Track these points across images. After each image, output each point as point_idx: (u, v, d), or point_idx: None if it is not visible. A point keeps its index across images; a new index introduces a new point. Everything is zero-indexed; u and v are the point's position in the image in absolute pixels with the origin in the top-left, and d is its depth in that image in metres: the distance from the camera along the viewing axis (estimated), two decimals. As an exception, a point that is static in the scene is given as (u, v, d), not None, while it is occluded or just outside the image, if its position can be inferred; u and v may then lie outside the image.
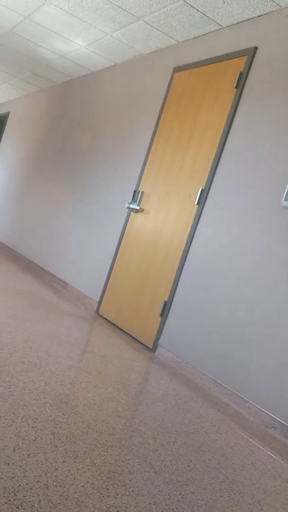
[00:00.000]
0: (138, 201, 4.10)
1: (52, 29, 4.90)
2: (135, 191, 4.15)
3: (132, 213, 4.18)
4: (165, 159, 3.94)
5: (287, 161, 2.86)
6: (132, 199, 4.16)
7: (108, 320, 4.11)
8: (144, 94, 4.59)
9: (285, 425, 2.45)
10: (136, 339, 3.71)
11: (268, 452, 2.24)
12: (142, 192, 4.09)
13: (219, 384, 2.88)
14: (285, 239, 2.74)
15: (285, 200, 2.62)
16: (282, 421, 2.47)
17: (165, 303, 3.49)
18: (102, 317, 4.21)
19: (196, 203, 3.45)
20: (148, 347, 3.56)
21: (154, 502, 1.50)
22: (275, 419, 2.50)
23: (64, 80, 6.58)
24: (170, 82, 4.17)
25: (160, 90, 4.35)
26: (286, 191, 2.62)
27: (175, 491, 1.61)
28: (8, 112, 8.66)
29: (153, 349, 3.50)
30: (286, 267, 2.68)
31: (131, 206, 4.07)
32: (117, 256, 4.23)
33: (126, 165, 4.54)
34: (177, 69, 4.13)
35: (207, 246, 3.27)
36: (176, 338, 3.31)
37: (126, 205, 4.07)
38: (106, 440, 1.82)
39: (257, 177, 3.04)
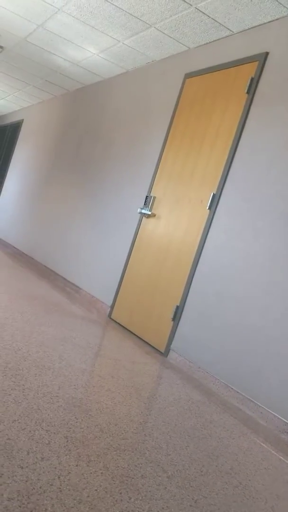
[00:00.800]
0: (150, 206, 4.12)
1: (65, 37, 4.96)
2: (147, 196, 4.17)
3: (144, 218, 4.20)
4: (177, 164, 3.96)
5: (299, 166, 2.86)
6: (144, 204, 4.18)
7: (120, 324, 4.13)
8: (156, 100, 4.62)
9: (298, 430, 2.44)
10: (148, 343, 3.72)
11: (281, 457, 2.23)
12: (154, 197, 4.11)
13: (232, 388, 2.87)
14: (297, 244, 2.73)
15: (297, 204, 2.61)
16: (295, 427, 2.46)
17: (177, 307, 3.49)
18: (115, 321, 4.23)
19: (207, 208, 3.46)
20: (160, 352, 3.57)
21: (167, 506, 1.50)
22: (288, 424, 2.49)
23: (77, 87, 6.64)
24: (182, 88, 4.19)
25: (171, 96, 4.37)
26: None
27: (188, 495, 1.61)
28: (22, 120, 8.76)
29: (165, 353, 3.51)
30: (299, 272, 2.67)
31: (143, 211, 4.09)
32: (129, 260, 4.25)
33: (138, 171, 4.57)
34: (189, 75, 4.15)
35: (219, 251, 3.27)
36: (188, 342, 3.32)
37: (138, 210, 4.09)
38: (119, 444, 1.83)
39: (268, 181, 3.04)
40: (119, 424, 2.02)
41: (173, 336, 3.48)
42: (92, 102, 6.09)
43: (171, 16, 3.84)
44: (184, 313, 3.44)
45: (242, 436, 2.35)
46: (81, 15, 4.33)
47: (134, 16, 4.03)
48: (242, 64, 3.55)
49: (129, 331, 3.99)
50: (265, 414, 2.63)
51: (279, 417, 2.55)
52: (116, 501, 1.44)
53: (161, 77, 4.65)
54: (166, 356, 3.50)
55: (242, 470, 1.95)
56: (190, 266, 3.49)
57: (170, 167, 4.05)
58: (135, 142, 4.79)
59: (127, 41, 4.57)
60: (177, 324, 3.47)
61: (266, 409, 2.63)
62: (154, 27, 4.12)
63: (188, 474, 1.76)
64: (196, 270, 3.42)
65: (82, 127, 6.12)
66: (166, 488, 1.62)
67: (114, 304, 4.31)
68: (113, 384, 2.52)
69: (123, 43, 4.65)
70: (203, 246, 3.42)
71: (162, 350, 3.55)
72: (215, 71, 3.82)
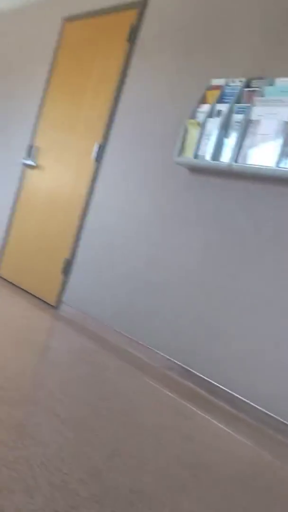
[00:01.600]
0: (33, 156, 3.99)
1: None
2: (30, 146, 4.03)
3: (28, 169, 4.06)
4: (61, 113, 3.85)
5: (178, 117, 2.95)
6: (27, 154, 4.03)
7: (9, 282, 4.05)
8: (35, 44, 4.38)
9: (181, 366, 2.65)
10: (39, 299, 3.71)
11: (168, 392, 2.42)
12: (38, 147, 3.98)
13: (122, 334, 3.01)
14: (177, 195, 2.86)
15: (177, 156, 2.72)
16: (178, 363, 2.67)
17: (67, 260, 3.51)
18: (3, 278, 4.13)
19: (93, 158, 3.45)
20: (52, 305, 3.59)
21: (61, 449, 1.58)
22: (173, 361, 2.69)
23: None
24: (61, 32, 4.02)
25: (51, 41, 4.17)
26: (177, 147, 2.72)
27: (82, 437, 1.70)
28: None
29: (57, 306, 3.54)
30: (178, 221, 2.82)
31: (27, 162, 3.95)
32: (15, 214, 4.13)
33: (19, 119, 4.36)
34: (68, 19, 3.98)
35: (106, 203, 3.31)
36: (80, 294, 3.37)
37: (21, 161, 3.95)
38: (12, 396, 1.85)
39: (151, 133, 3.10)
40: (13, 378, 2.04)
41: (64, 289, 3.51)
42: None
43: None
44: (74, 266, 3.47)
45: (133, 377, 2.50)
46: None
47: None
48: (122, 11, 3.48)
49: (19, 287, 3.94)
50: (152, 354, 2.81)
51: (163, 354, 2.74)
52: (10, 448, 1.48)
53: (40, 20, 4.40)
54: (58, 309, 3.53)
55: (133, 408, 2.10)
56: (78, 218, 3.49)
57: (53, 116, 3.93)
58: (15, 87, 4.53)
59: (0, -24, 4.22)
60: (68, 277, 3.50)
61: (153, 349, 2.81)
62: None
63: (81, 417, 1.85)
64: (85, 222, 3.44)
65: None
66: (60, 432, 1.69)
67: (1, 260, 4.19)
68: (4, 340, 2.50)
69: (-5, -22, 4.28)
70: (90, 198, 3.43)
71: (54, 303, 3.57)
72: (96, 16, 3.70)
